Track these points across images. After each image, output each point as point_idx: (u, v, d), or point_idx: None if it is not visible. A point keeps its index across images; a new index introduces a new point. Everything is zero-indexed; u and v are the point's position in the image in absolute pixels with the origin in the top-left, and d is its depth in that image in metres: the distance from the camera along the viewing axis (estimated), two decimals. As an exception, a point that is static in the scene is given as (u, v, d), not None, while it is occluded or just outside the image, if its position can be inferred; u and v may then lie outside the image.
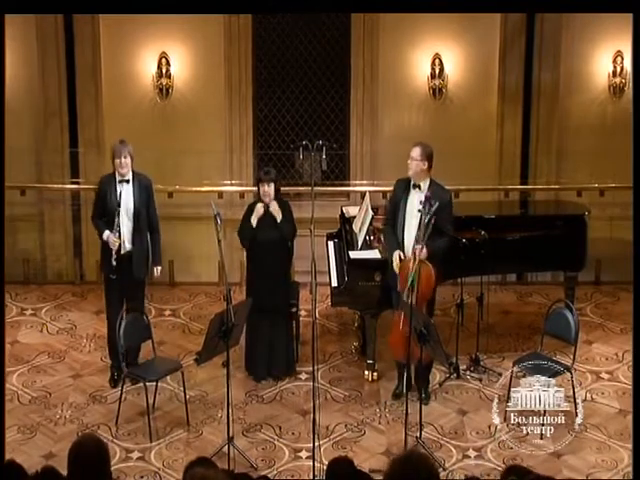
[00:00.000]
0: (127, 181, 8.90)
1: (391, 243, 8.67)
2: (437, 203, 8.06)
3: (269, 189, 8.92)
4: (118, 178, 8.90)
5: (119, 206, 8.82)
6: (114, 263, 8.81)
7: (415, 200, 8.47)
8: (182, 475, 5.03)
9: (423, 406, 8.22)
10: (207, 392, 8.97)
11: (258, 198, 9.08)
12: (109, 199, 8.90)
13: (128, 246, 8.95)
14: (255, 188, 9.64)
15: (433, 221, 8.03)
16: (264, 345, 9.09)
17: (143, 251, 9.02)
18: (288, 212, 9.04)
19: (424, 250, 8.19)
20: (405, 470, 4.70)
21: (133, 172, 8.94)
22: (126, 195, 8.88)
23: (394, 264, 8.50)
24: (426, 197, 8.16)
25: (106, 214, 8.93)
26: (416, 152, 8.55)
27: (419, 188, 8.53)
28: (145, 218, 8.98)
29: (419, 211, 8.17)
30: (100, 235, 8.97)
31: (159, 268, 9.16)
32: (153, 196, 9.14)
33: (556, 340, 8.88)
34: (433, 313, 8.83)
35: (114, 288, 9.00)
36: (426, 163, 8.53)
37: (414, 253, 8.20)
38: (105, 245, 8.95)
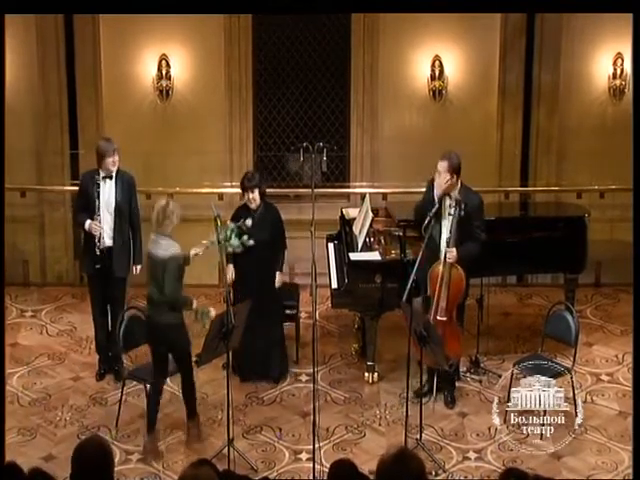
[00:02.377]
0: (110, 177, 8.94)
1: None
2: (465, 205, 8.09)
3: (254, 195, 8.90)
4: (102, 174, 8.92)
5: (98, 197, 8.81)
6: (98, 252, 8.82)
7: (446, 204, 8.37)
8: None
9: (423, 408, 8.21)
10: (207, 394, 8.95)
11: (244, 204, 9.05)
12: (91, 195, 8.92)
13: (108, 242, 8.94)
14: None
15: (462, 222, 8.06)
16: (254, 348, 8.95)
17: (124, 249, 9.02)
18: (278, 219, 9.03)
19: (454, 253, 8.21)
20: (396, 468, 4.69)
21: (117, 169, 8.98)
22: (108, 190, 8.92)
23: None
24: (457, 201, 8.16)
25: (88, 211, 8.92)
26: (442, 166, 8.34)
27: (449, 196, 8.40)
28: (127, 216, 8.99)
29: (449, 214, 8.17)
30: (82, 226, 8.95)
31: (139, 267, 9.07)
32: (136, 193, 9.16)
33: (556, 342, 8.88)
34: (463, 317, 8.83)
35: (96, 285, 9.04)
36: (454, 176, 8.35)
37: (445, 256, 8.22)
38: (86, 241, 8.99)
